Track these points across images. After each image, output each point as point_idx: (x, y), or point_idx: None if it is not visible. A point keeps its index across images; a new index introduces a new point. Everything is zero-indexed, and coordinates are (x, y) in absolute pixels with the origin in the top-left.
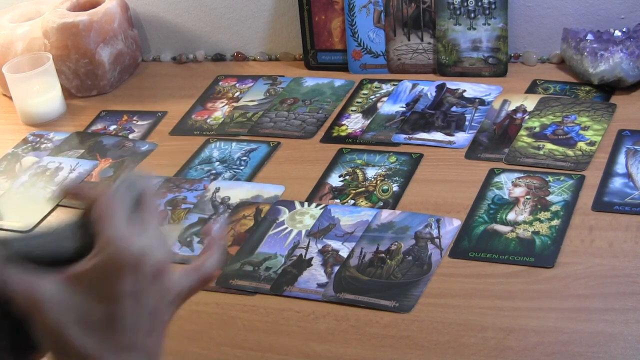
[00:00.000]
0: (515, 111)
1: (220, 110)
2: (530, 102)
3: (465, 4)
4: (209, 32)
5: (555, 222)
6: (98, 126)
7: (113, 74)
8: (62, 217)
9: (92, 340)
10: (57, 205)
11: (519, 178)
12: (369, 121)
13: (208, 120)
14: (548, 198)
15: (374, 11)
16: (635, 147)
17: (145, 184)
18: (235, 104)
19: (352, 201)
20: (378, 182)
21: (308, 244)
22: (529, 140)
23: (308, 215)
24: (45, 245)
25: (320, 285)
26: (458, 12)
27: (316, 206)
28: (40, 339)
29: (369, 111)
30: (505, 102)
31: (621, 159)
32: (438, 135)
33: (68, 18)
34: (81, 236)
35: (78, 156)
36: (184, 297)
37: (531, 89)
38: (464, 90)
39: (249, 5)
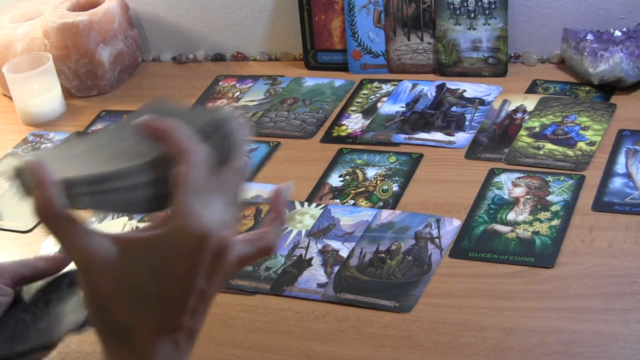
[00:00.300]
0: (515, 111)
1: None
2: (530, 102)
3: (465, 4)
4: (209, 32)
5: (555, 222)
6: (98, 126)
7: (113, 74)
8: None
9: (134, 314)
10: None
11: (519, 178)
12: (369, 121)
13: None
14: (548, 198)
15: (374, 11)
16: (635, 147)
17: (236, 129)
18: (235, 104)
19: (352, 201)
20: (378, 182)
21: (308, 244)
22: (529, 140)
23: (308, 215)
24: (114, 194)
25: (320, 285)
26: (458, 12)
27: (316, 206)
28: (86, 299)
29: (369, 111)
30: (505, 102)
31: (621, 159)
32: (438, 135)
33: (68, 18)
34: (155, 185)
35: None
36: (239, 265)
37: (531, 89)
38: (464, 90)
39: (249, 5)
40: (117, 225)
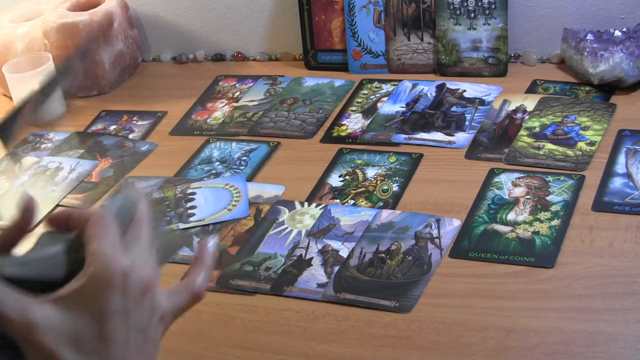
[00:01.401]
0: (515, 111)
1: (220, 110)
2: (530, 102)
3: (465, 4)
4: (209, 32)
5: (555, 222)
6: (98, 126)
7: (113, 74)
8: (53, 241)
9: None
10: (57, 205)
11: (519, 178)
12: (369, 121)
13: (208, 120)
14: (548, 198)
15: (374, 11)
16: (635, 147)
17: (138, 198)
18: (235, 104)
19: (352, 201)
20: (378, 182)
21: (308, 244)
22: (529, 140)
23: (308, 215)
24: (36, 271)
25: (320, 285)
26: (458, 12)
27: (316, 206)
28: None
29: (369, 111)
30: (505, 102)
31: (621, 159)
32: (438, 135)
33: (68, 18)
34: (72, 260)
35: (78, 156)
36: (174, 315)
37: (531, 89)
38: (464, 90)
39: (249, 5)
40: None
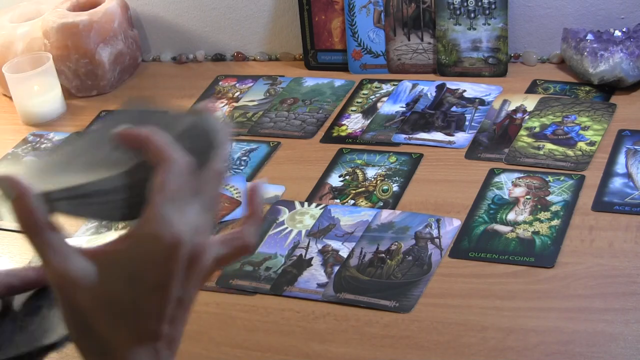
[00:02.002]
0: (515, 111)
1: (220, 110)
2: (530, 102)
3: (465, 4)
4: (209, 32)
5: (555, 222)
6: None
7: (113, 74)
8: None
9: (112, 327)
10: None
11: (519, 178)
12: (369, 121)
13: None
14: (548, 198)
15: (374, 11)
16: (635, 147)
17: (219, 134)
18: (235, 104)
19: (352, 201)
20: (378, 182)
21: (308, 244)
22: (529, 140)
23: (308, 215)
24: (92, 205)
25: (320, 285)
26: (458, 12)
27: (316, 206)
28: (64, 317)
29: (369, 111)
30: (505, 102)
31: (621, 159)
32: (438, 135)
33: (68, 18)
34: (133, 194)
35: None
36: (216, 266)
37: (531, 89)
38: (464, 90)
39: (249, 5)
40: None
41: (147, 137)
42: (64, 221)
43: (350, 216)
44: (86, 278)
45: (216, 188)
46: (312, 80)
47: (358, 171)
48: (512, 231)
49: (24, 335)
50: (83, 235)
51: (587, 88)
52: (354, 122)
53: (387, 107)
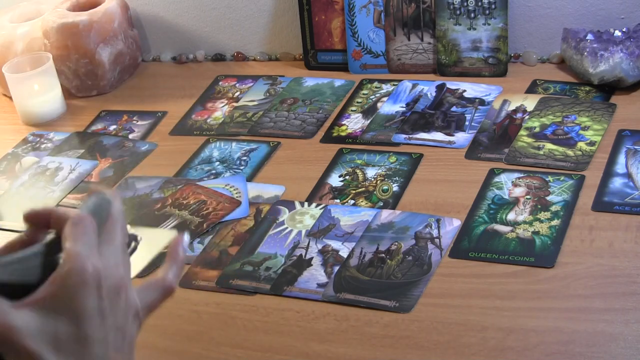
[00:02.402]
0: (515, 111)
1: (220, 110)
2: (530, 102)
3: (465, 4)
4: (209, 32)
5: (555, 222)
6: (98, 126)
7: (113, 74)
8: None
9: None
10: (57, 205)
11: (519, 178)
12: (369, 121)
13: (208, 120)
14: (548, 198)
15: (374, 11)
16: (635, 147)
17: (113, 198)
18: (235, 104)
19: (352, 201)
20: (378, 182)
21: (308, 244)
22: (529, 140)
23: (308, 215)
24: (12, 275)
25: (320, 285)
26: (458, 12)
27: (316, 206)
28: None
29: (369, 111)
30: (505, 102)
31: (621, 159)
32: (438, 135)
33: (68, 18)
34: (50, 262)
35: (78, 156)
36: (148, 311)
37: (531, 89)
38: (464, 90)
39: (249, 5)
40: None
41: (49, 211)
42: None
43: (350, 216)
44: (29, 325)
45: (120, 233)
46: (312, 80)
47: (358, 171)
48: (512, 231)
49: None
50: None
51: (587, 88)
52: (354, 122)
53: (387, 107)
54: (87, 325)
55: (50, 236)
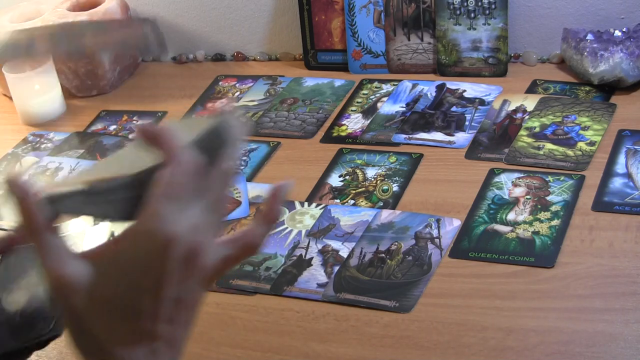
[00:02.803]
0: (515, 111)
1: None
2: (530, 102)
3: (465, 4)
4: (209, 32)
5: (555, 222)
6: (98, 126)
7: (113, 74)
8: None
9: (109, 328)
10: None
11: (519, 178)
12: (369, 121)
13: None
14: (548, 198)
15: (374, 11)
16: (635, 147)
17: (233, 133)
18: (235, 104)
19: (352, 201)
20: (378, 182)
21: (308, 244)
22: (529, 140)
23: (308, 215)
24: (98, 205)
25: (320, 285)
26: (458, 12)
27: (316, 206)
28: (63, 319)
29: (369, 111)
30: (505, 102)
31: (621, 159)
32: (438, 135)
33: (68, 18)
34: (140, 195)
35: (78, 156)
36: (223, 270)
37: (531, 89)
38: (464, 90)
39: (249, 5)
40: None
41: (161, 134)
42: (72, 221)
43: (350, 216)
44: (81, 281)
45: (223, 189)
46: (312, 80)
47: (358, 171)
48: (512, 231)
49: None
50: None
51: (587, 88)
52: (354, 122)
53: (387, 107)
54: (139, 296)
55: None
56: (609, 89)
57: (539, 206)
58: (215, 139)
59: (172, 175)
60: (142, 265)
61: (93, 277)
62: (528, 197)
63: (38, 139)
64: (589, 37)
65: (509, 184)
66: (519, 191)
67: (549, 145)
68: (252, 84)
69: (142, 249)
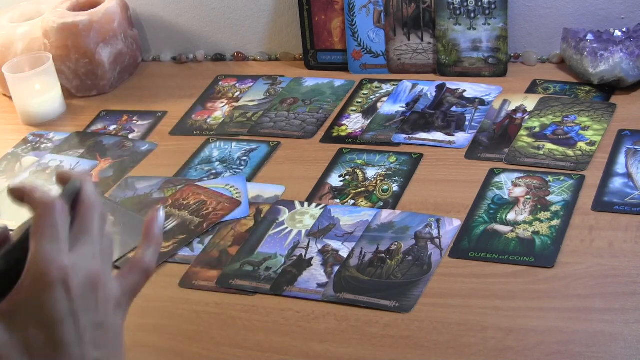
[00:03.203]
0: (515, 111)
1: (220, 110)
2: (530, 102)
3: (465, 4)
4: (209, 32)
5: (555, 222)
6: (98, 126)
7: (113, 74)
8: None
9: None
10: None
11: (519, 178)
12: (369, 121)
13: (208, 120)
14: (548, 198)
15: (374, 11)
16: (635, 147)
17: (82, 182)
18: (235, 104)
19: (352, 201)
20: (378, 182)
21: (308, 244)
22: (529, 140)
23: (308, 215)
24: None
25: (320, 285)
26: (458, 12)
27: (316, 206)
28: None
29: (369, 111)
30: (505, 102)
31: (621, 159)
32: (438, 135)
33: (68, 18)
34: (15, 260)
35: (78, 156)
36: (130, 296)
37: (531, 89)
38: (464, 90)
39: (249, 5)
40: None
41: (29, 189)
42: None
43: (350, 216)
44: None
45: (97, 223)
46: (312, 80)
47: (358, 171)
48: (512, 231)
49: None
50: None
51: (587, 88)
52: (354, 122)
53: (387, 107)
54: (58, 329)
55: (28, 224)
56: (609, 89)
57: (539, 206)
58: (71, 194)
59: (42, 218)
60: (48, 303)
61: (6, 330)
62: (528, 197)
63: (38, 139)
64: (589, 37)
65: (509, 184)
66: (519, 191)
67: (549, 145)
68: (252, 84)
69: (41, 290)
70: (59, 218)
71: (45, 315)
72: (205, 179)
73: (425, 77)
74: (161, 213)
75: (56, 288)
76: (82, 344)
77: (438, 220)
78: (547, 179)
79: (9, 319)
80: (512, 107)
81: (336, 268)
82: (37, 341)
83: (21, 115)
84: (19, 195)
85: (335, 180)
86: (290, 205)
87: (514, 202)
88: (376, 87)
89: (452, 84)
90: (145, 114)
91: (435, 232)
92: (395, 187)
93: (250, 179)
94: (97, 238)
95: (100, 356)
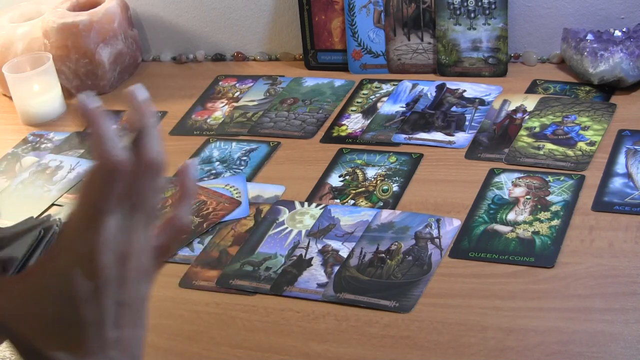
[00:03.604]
0: (515, 111)
1: (220, 110)
2: (530, 102)
3: (465, 4)
4: (209, 32)
5: (555, 222)
6: None
7: (113, 74)
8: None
9: (61, 346)
10: (52, 204)
11: (519, 178)
12: (369, 121)
13: (208, 120)
14: (548, 198)
15: (374, 11)
16: (635, 147)
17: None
18: (235, 104)
19: (352, 201)
20: (378, 182)
21: (308, 244)
22: (529, 140)
23: (308, 215)
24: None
25: (320, 285)
26: (458, 12)
27: (316, 206)
28: (18, 353)
29: (369, 111)
30: (505, 102)
31: (621, 159)
32: (438, 135)
33: (68, 18)
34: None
35: (78, 156)
36: (160, 259)
37: (531, 89)
38: (464, 90)
39: (249, 5)
40: None
41: (100, 132)
42: None
43: (350, 216)
44: (15, 310)
45: (149, 186)
46: (312, 80)
47: (358, 171)
48: (512, 231)
49: None
50: None
51: (587, 88)
52: (354, 122)
53: (387, 107)
54: (77, 308)
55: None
56: (609, 89)
57: (539, 206)
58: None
59: (89, 184)
60: (73, 280)
61: (25, 303)
62: (528, 197)
63: (38, 139)
64: (589, 37)
65: (509, 184)
66: (519, 191)
67: (549, 145)
68: (252, 84)
69: (68, 265)
70: (111, 183)
71: (66, 293)
72: (205, 179)
73: (425, 77)
74: (194, 165)
75: (84, 267)
76: (101, 324)
77: (438, 220)
78: (547, 179)
79: (29, 288)
80: (512, 107)
81: (336, 268)
82: (52, 315)
83: (21, 115)
84: (84, 117)
85: (335, 180)
86: (290, 205)
87: (514, 202)
88: (376, 87)
89: (452, 84)
90: None
91: (435, 232)
92: (395, 187)
93: (250, 179)
94: (144, 204)
95: (120, 336)
